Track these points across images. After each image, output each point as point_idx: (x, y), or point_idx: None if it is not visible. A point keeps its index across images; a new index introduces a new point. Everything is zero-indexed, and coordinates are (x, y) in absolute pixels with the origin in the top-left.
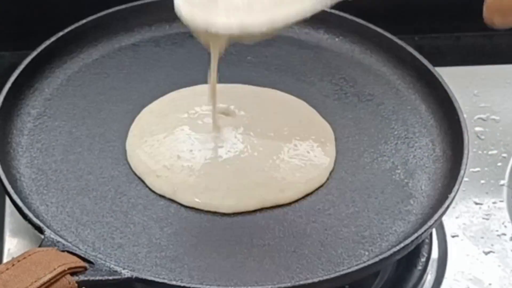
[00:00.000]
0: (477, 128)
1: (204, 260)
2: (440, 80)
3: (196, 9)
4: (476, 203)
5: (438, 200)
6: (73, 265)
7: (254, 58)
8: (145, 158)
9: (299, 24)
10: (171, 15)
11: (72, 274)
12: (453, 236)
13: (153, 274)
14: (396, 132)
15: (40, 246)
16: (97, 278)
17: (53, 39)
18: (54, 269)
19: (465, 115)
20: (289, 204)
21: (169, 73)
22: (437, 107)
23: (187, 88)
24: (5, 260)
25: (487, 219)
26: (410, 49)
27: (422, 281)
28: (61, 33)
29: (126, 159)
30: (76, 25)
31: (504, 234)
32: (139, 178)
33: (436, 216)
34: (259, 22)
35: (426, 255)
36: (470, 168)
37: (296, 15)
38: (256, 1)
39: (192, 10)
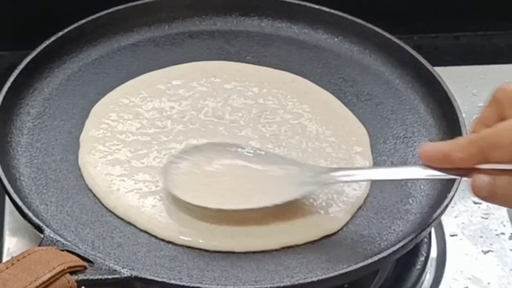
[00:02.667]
0: None
1: (203, 259)
2: (439, 79)
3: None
4: (475, 203)
5: (437, 200)
6: (72, 264)
7: (253, 58)
8: None
9: (298, 24)
10: (170, 15)
11: (72, 273)
12: (452, 235)
13: (152, 273)
14: (395, 132)
15: (39, 245)
16: (96, 277)
17: (53, 39)
18: (54, 268)
19: (464, 115)
20: None
21: None
22: (436, 106)
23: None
24: (4, 259)
25: (486, 218)
26: (409, 49)
27: (421, 280)
28: (61, 33)
29: None
30: (76, 25)
31: (503, 234)
32: None
33: (435, 216)
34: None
35: (425, 254)
36: None
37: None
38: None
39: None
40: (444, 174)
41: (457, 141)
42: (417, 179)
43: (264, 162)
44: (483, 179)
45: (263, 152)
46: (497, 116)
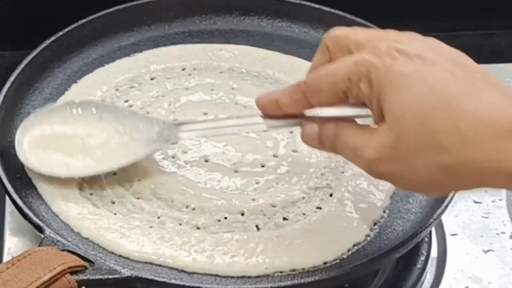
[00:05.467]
0: None
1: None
2: None
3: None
4: (476, 202)
5: (437, 199)
6: (73, 264)
7: None
8: None
9: (298, 23)
10: (170, 15)
11: (72, 273)
12: (452, 235)
13: (152, 273)
14: None
15: (40, 245)
16: (97, 277)
17: (53, 39)
18: (54, 268)
19: None
20: None
21: None
22: None
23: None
24: (5, 259)
25: (487, 217)
26: None
27: (422, 279)
28: (61, 33)
29: None
30: (76, 25)
31: (503, 233)
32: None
33: (435, 215)
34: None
35: (425, 253)
36: None
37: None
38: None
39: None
40: (282, 123)
41: (286, 88)
42: (261, 130)
43: (112, 120)
44: (312, 127)
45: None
46: (326, 62)
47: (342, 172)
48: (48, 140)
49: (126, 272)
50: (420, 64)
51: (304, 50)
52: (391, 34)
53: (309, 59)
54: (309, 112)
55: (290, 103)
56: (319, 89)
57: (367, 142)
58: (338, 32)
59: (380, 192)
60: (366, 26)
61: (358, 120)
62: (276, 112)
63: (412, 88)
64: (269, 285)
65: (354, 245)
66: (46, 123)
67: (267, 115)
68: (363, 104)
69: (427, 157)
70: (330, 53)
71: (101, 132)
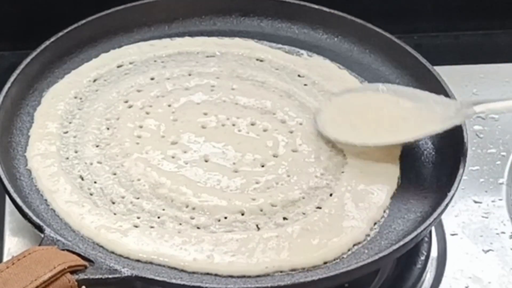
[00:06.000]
0: (476, 127)
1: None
2: (439, 79)
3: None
4: (475, 202)
5: (437, 199)
6: (73, 263)
7: None
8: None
9: (298, 24)
10: (170, 15)
11: (72, 272)
12: (452, 235)
13: (153, 272)
14: None
15: (40, 244)
16: (97, 276)
17: (53, 39)
18: (54, 267)
19: None
20: None
21: None
22: None
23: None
24: (5, 259)
25: (486, 217)
26: (409, 48)
27: (422, 279)
28: (61, 33)
29: None
30: (76, 25)
31: (503, 233)
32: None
33: (435, 215)
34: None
35: (425, 253)
36: (469, 167)
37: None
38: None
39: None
40: None
41: None
42: None
43: (406, 97)
44: None
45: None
46: None
47: (342, 172)
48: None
49: (126, 272)
50: None
51: (304, 50)
52: None
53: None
54: None
55: None
56: None
57: None
58: None
59: (380, 191)
60: (366, 27)
61: None
62: None
63: None
64: (269, 285)
65: (354, 245)
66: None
67: None
68: None
69: None
70: None
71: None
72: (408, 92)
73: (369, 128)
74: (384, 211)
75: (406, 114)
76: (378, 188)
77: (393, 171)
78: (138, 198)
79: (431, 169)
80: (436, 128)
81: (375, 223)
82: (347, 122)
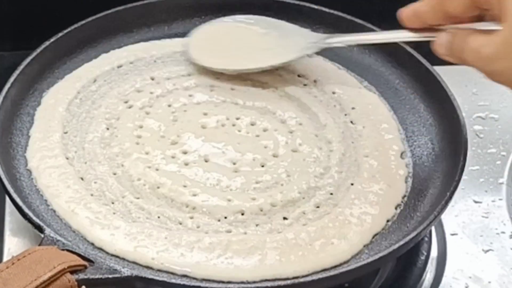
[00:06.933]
0: (476, 127)
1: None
2: (439, 79)
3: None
4: (475, 202)
5: (437, 198)
6: (73, 263)
7: None
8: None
9: (298, 24)
10: (170, 16)
11: (72, 272)
12: (452, 234)
13: (153, 272)
14: None
15: (40, 244)
16: (97, 276)
17: (53, 39)
18: (54, 267)
19: (464, 114)
20: None
21: None
22: (436, 106)
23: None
24: (5, 259)
25: (486, 217)
26: (409, 49)
27: (422, 279)
28: (60, 33)
29: None
30: (76, 25)
31: (503, 232)
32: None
33: (435, 214)
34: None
35: (425, 253)
36: (469, 167)
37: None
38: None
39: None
40: (418, 35)
41: None
42: (399, 41)
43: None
44: (444, 36)
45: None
46: None
47: (342, 172)
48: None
49: (126, 272)
50: None
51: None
52: None
53: (308, 59)
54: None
55: (427, 10)
56: None
57: (487, 41)
58: None
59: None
60: (366, 27)
61: None
62: (416, 21)
63: None
64: (269, 285)
65: None
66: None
67: (407, 28)
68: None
69: None
70: None
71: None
72: (276, 24)
73: (232, 55)
74: None
75: (268, 44)
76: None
77: None
78: (138, 198)
79: (431, 169)
80: (290, 57)
81: None
82: (216, 49)
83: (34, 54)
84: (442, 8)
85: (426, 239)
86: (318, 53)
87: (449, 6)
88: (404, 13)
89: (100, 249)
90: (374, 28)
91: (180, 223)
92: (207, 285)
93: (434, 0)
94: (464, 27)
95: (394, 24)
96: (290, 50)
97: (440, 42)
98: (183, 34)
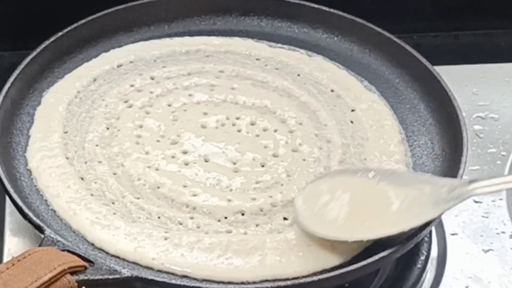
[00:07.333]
0: (476, 127)
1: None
2: (439, 78)
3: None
4: (476, 202)
5: None
6: (73, 264)
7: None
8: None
9: (298, 23)
10: (170, 15)
11: (72, 273)
12: (452, 234)
13: (153, 273)
14: None
15: (40, 245)
16: (97, 277)
17: (53, 39)
18: (54, 268)
19: (464, 114)
20: None
21: None
22: (436, 105)
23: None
24: (5, 259)
25: (487, 217)
26: (409, 48)
27: (422, 279)
28: (60, 33)
29: None
30: (76, 25)
31: (504, 232)
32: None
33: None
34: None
35: (425, 253)
36: (469, 167)
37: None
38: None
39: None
40: None
41: None
42: None
43: (393, 183)
44: None
45: (388, 173)
46: None
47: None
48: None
49: (126, 272)
50: None
51: (304, 50)
52: None
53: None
54: None
55: None
56: None
57: None
58: None
59: None
60: (366, 26)
61: None
62: None
63: None
64: (269, 285)
65: None
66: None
67: None
68: None
69: None
70: None
71: (380, 196)
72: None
73: (353, 220)
74: None
75: (391, 201)
76: None
77: None
78: (138, 198)
79: (431, 169)
80: (427, 217)
81: None
82: (328, 214)
83: (34, 53)
84: None
85: (426, 239)
86: (318, 53)
87: None
88: None
89: (100, 249)
90: (375, 27)
91: (180, 223)
92: (207, 285)
93: None
94: None
95: (394, 24)
96: (424, 205)
97: None
98: (183, 33)
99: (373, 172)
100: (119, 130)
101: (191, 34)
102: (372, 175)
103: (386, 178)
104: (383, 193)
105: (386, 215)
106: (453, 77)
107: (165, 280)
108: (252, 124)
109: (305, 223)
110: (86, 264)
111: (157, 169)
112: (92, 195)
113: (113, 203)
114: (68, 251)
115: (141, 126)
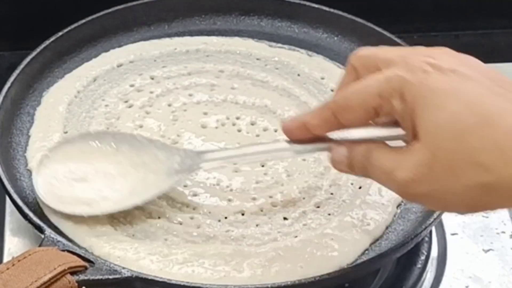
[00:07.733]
0: None
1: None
2: None
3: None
4: None
5: None
6: (73, 264)
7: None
8: None
9: (298, 23)
10: (170, 15)
11: (72, 273)
12: (452, 234)
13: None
14: None
15: (40, 245)
16: (97, 277)
17: (52, 39)
18: (54, 268)
19: None
20: None
21: None
22: None
23: None
24: (5, 259)
25: (487, 217)
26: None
27: (422, 279)
28: (60, 33)
29: None
30: (76, 25)
31: (504, 232)
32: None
33: (435, 215)
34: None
35: (425, 253)
36: None
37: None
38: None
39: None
40: (309, 147)
41: (312, 110)
42: (287, 156)
43: (129, 151)
44: (341, 151)
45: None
46: (354, 81)
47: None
48: (66, 178)
49: (126, 272)
50: (455, 79)
51: (304, 50)
52: (423, 50)
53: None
54: (337, 135)
55: (319, 123)
56: (349, 107)
57: (400, 163)
58: (365, 51)
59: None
60: (366, 26)
61: (389, 143)
62: (303, 135)
63: (447, 104)
64: (269, 285)
65: None
66: (62, 159)
67: (293, 140)
68: (394, 124)
69: (465, 175)
70: (357, 74)
71: (118, 166)
72: (129, 140)
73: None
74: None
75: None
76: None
77: None
78: None
79: None
80: (162, 186)
81: None
82: (65, 186)
83: (34, 53)
84: (335, 121)
85: (426, 239)
86: (318, 52)
87: (344, 119)
88: (288, 126)
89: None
90: (375, 27)
91: (181, 224)
92: (207, 285)
93: (325, 113)
94: (362, 135)
95: (394, 24)
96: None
97: (338, 158)
98: (183, 33)
99: (112, 139)
100: (119, 130)
101: (191, 34)
102: (113, 143)
103: (124, 143)
104: (120, 161)
105: (125, 184)
106: None
107: (165, 280)
108: (252, 124)
109: (46, 200)
110: (86, 264)
111: None
112: None
113: None
114: (68, 251)
115: (141, 126)
